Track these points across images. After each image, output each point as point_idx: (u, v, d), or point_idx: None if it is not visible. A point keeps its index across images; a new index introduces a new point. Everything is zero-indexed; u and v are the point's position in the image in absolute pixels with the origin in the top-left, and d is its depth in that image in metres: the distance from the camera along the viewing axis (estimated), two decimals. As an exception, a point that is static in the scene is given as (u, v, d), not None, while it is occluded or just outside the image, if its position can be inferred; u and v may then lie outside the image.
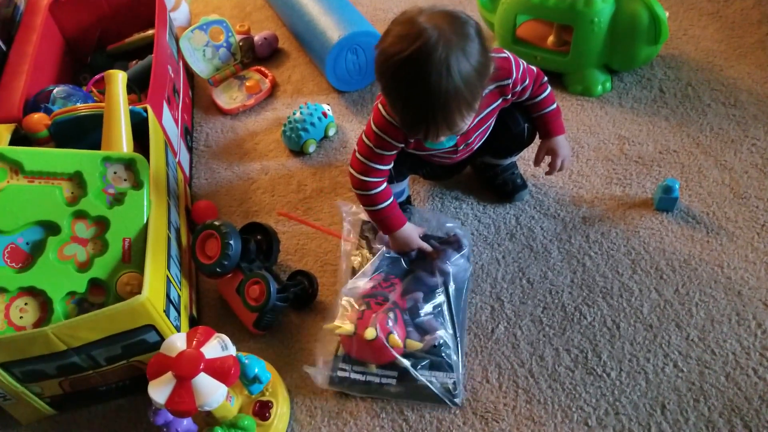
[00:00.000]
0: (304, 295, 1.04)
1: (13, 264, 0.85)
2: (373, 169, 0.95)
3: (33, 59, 1.20)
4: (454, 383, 0.89)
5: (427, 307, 0.96)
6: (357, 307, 0.94)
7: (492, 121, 1.00)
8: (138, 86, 1.27)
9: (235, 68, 1.50)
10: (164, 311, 0.87)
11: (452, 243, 1.03)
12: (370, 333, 0.89)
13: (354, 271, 1.02)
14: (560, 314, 0.98)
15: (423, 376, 0.90)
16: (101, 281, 0.87)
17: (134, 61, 1.41)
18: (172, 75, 1.31)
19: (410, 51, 0.74)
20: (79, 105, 1.10)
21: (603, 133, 1.24)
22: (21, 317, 0.83)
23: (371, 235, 1.08)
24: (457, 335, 0.94)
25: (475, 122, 0.95)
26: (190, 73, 1.51)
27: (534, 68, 0.97)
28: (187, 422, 0.83)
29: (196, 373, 0.76)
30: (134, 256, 0.89)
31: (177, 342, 0.80)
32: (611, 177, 1.16)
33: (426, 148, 0.96)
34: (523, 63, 0.95)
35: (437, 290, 0.97)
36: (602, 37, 1.25)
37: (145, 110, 1.07)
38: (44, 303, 0.84)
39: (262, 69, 1.51)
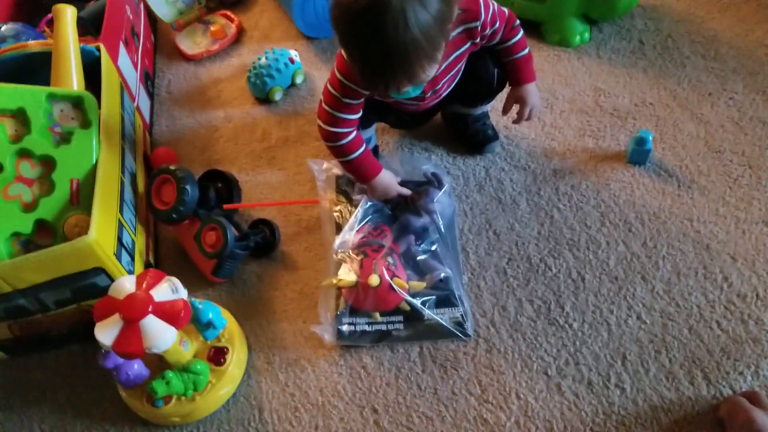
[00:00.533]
0: (265, 244, 1.01)
1: (-48, 202, 0.80)
2: (341, 119, 0.91)
3: (-21, -8, 1.12)
4: (463, 315, 0.89)
5: (422, 248, 0.95)
6: (354, 257, 0.93)
7: (461, 66, 0.96)
8: (95, 27, 1.20)
9: (199, 12, 1.43)
10: (115, 254, 0.83)
11: (431, 182, 1.02)
12: (374, 279, 0.88)
13: (339, 228, 0.99)
14: (525, 266, 0.97)
15: (432, 314, 0.89)
16: (48, 223, 0.84)
17: (91, 2, 1.33)
18: (131, 16, 1.24)
19: (365, 1, 0.69)
20: (28, 42, 1.04)
21: (579, 85, 1.21)
22: (-40, 257, 0.79)
23: (349, 188, 1.05)
24: (455, 267, 0.94)
25: (442, 68, 0.91)
26: (152, 18, 1.44)
27: (505, 10, 0.92)
28: (138, 366, 0.81)
29: (144, 315, 0.73)
30: (83, 197, 0.85)
31: (126, 284, 0.77)
32: (585, 129, 1.14)
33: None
34: (493, 4, 0.90)
35: (428, 230, 0.96)
36: (582, -17, 1.21)
37: (98, 49, 1.01)
38: (-15, 244, 0.81)
39: (228, 13, 1.44)
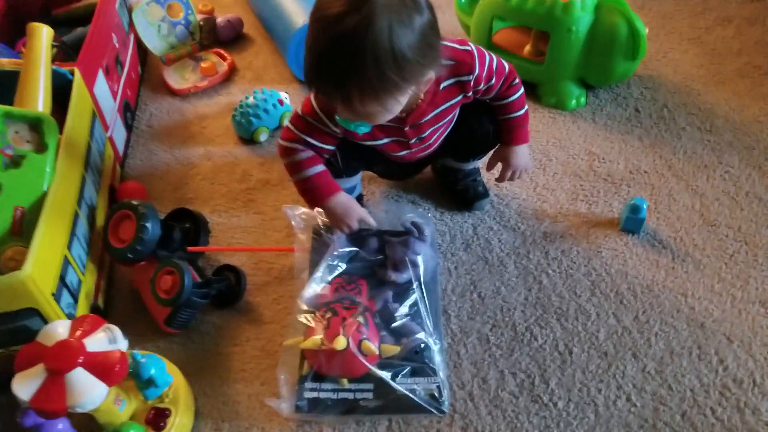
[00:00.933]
0: (229, 293, 0.93)
1: None
2: (303, 140, 0.86)
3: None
4: (439, 388, 0.80)
5: (402, 308, 0.86)
6: (321, 315, 0.83)
7: (451, 118, 0.92)
8: (77, 53, 1.16)
9: (192, 48, 1.40)
10: (53, 294, 0.75)
11: (412, 232, 0.93)
12: (340, 342, 0.77)
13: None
14: (509, 334, 0.89)
15: (404, 385, 0.79)
16: (-18, 254, 0.75)
17: (79, 28, 1.30)
18: (117, 45, 1.21)
19: (341, 10, 0.65)
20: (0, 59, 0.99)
21: (573, 148, 1.17)
22: None
23: (328, 233, 0.95)
24: (435, 333, 0.85)
25: (430, 116, 0.86)
26: (143, 49, 1.40)
27: (506, 65, 0.88)
28: (63, 426, 0.71)
29: (72, 368, 0.64)
30: (27, 228, 0.77)
31: (58, 329, 0.68)
32: (577, 193, 1.09)
33: (373, 135, 0.87)
34: (492, 59, 0.86)
35: (409, 286, 0.88)
36: (579, 48, 1.19)
37: (72, 72, 0.96)
38: None
39: (222, 51, 1.41)
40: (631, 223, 1.00)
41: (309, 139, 0.86)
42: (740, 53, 1.38)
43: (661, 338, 0.88)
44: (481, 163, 1.09)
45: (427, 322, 0.85)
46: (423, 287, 0.88)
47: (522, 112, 0.93)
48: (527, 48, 1.29)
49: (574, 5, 1.15)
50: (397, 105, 0.76)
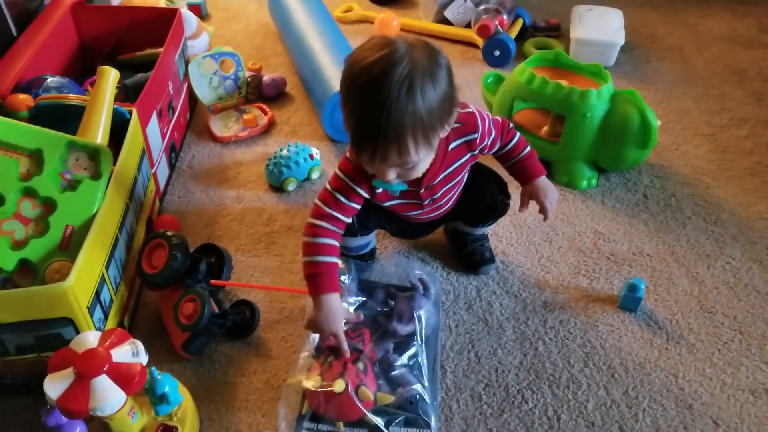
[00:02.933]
0: (243, 326, 1.00)
1: (-52, 228, 0.82)
2: (330, 216, 0.90)
3: (38, 47, 1.23)
4: None
5: (401, 359, 0.91)
6: (324, 358, 0.88)
7: (461, 178, 0.99)
8: (136, 95, 1.30)
9: (237, 101, 1.54)
10: (88, 307, 0.83)
11: (417, 288, 0.99)
12: (338, 385, 0.82)
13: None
14: (502, 395, 0.93)
15: None
16: (32, 264, 0.84)
17: (140, 73, 1.45)
18: (171, 92, 1.34)
19: (376, 57, 0.73)
20: (68, 95, 1.12)
21: (580, 225, 1.24)
22: (-62, 284, 0.80)
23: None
24: (431, 386, 0.89)
25: (441, 176, 0.94)
26: (193, 98, 1.55)
27: (498, 117, 0.97)
28: (80, 429, 0.77)
29: (98, 374, 0.71)
30: (73, 246, 0.86)
31: (89, 338, 0.75)
32: (580, 268, 1.14)
33: (390, 196, 0.95)
34: (487, 116, 0.94)
35: (410, 339, 0.93)
36: (593, 133, 1.28)
37: (130, 112, 1.09)
38: (-33, 274, 0.81)
39: (263, 106, 1.54)
40: (629, 301, 1.05)
41: (334, 213, 0.89)
42: (752, 153, 1.44)
43: (648, 415, 0.90)
44: (489, 230, 1.16)
45: (424, 375, 0.90)
46: (423, 341, 0.93)
47: (528, 150, 1.00)
48: (545, 129, 1.38)
49: (591, 94, 1.25)
50: (433, 153, 0.83)
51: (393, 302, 1.00)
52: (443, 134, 0.83)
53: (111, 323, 0.91)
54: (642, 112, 1.24)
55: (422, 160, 0.81)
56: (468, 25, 1.84)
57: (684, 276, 1.13)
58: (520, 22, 1.85)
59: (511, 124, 0.99)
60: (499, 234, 1.21)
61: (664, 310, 1.06)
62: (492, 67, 1.73)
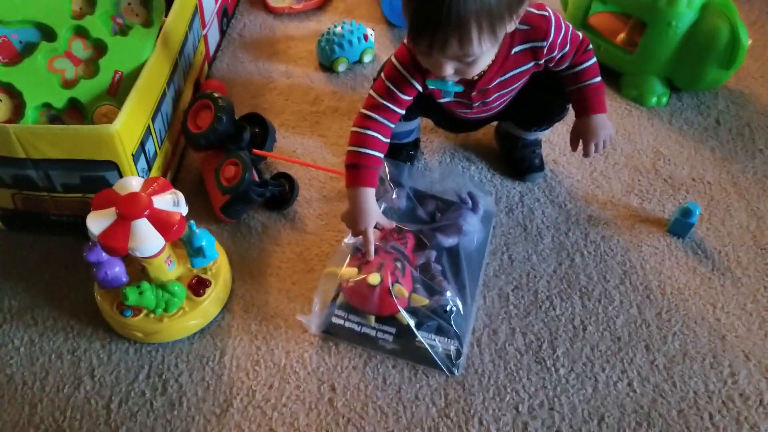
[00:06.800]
0: (281, 197, 1.00)
1: (1, 57, 0.82)
2: (383, 107, 0.85)
3: None
4: (457, 351, 0.82)
5: (443, 269, 0.89)
6: (360, 254, 0.87)
7: (519, 85, 0.92)
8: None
9: (295, -30, 1.45)
10: (132, 155, 0.83)
11: (465, 202, 0.96)
12: (374, 278, 0.82)
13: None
14: (530, 298, 0.92)
15: (425, 338, 0.82)
16: (81, 105, 0.84)
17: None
18: (228, -49, 1.27)
19: None
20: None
21: (641, 144, 1.16)
22: (-9, 112, 0.81)
23: (389, 180, 0.97)
24: (468, 302, 0.87)
25: (497, 81, 0.87)
26: (250, -37, 1.46)
27: (579, 34, 0.88)
28: (119, 269, 0.80)
29: (139, 216, 0.72)
30: (122, 91, 0.85)
31: (132, 182, 0.76)
32: (633, 186, 1.09)
33: (439, 96, 0.89)
34: (567, 26, 0.85)
35: (454, 252, 0.90)
36: (674, 45, 1.16)
37: (185, -34, 1.03)
38: (18, 106, 0.82)
39: (321, -21, 1.45)
40: (680, 226, 1.00)
41: (387, 104, 0.85)
42: None
43: (678, 339, 0.88)
44: (544, 136, 1.10)
45: (466, 289, 0.88)
46: (466, 256, 0.91)
47: (598, 79, 0.91)
48: (621, 36, 1.27)
49: (680, 0, 1.12)
50: (496, 48, 0.77)
51: (439, 213, 0.97)
52: (510, 27, 0.75)
53: (153, 175, 0.92)
54: (733, 26, 1.12)
55: (484, 54, 0.74)
56: None
57: (743, 209, 1.06)
58: None
59: (590, 45, 0.89)
60: (553, 141, 1.14)
61: (715, 241, 1.01)
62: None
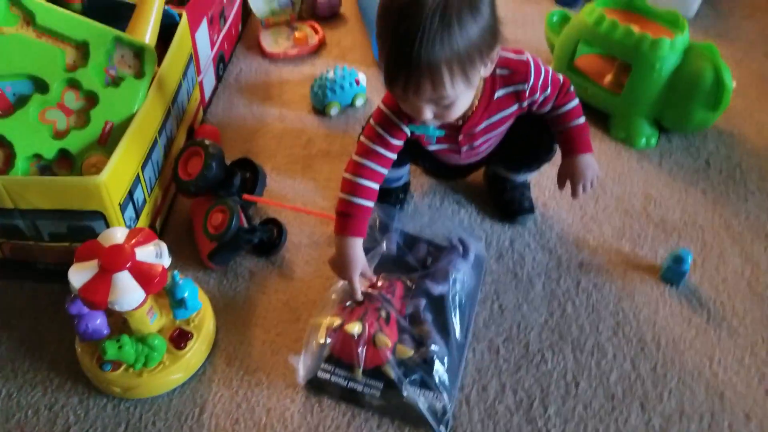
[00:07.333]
0: (269, 243, 0.99)
1: (-7, 109, 0.83)
2: (374, 153, 0.86)
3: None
4: (444, 408, 0.79)
5: (431, 319, 0.87)
6: (348, 300, 0.86)
7: (504, 129, 0.93)
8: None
9: (290, 17, 1.48)
10: (120, 204, 0.83)
11: (455, 248, 0.94)
12: (354, 327, 0.80)
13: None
14: (521, 351, 0.90)
15: (413, 393, 0.79)
16: (71, 155, 0.85)
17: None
18: (224, 0, 1.30)
19: None
20: (121, -7, 1.09)
21: (631, 186, 1.16)
22: (-20, 163, 0.81)
23: (378, 230, 0.97)
24: (455, 355, 0.85)
25: (483, 125, 0.88)
26: (246, 11, 1.50)
27: (560, 77, 0.89)
28: (100, 321, 0.79)
29: (120, 269, 0.72)
30: (111, 142, 0.86)
31: (117, 234, 0.76)
32: (624, 231, 1.08)
33: (425, 141, 0.89)
34: (546, 69, 0.86)
35: (443, 300, 0.88)
36: (660, 87, 1.17)
37: (180, 15, 1.05)
38: (9, 156, 0.82)
39: (316, 25, 1.48)
40: (672, 273, 0.99)
41: (378, 149, 0.85)
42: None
43: (674, 396, 0.86)
44: (531, 177, 1.10)
45: (451, 338, 0.86)
46: (456, 304, 0.89)
47: (582, 120, 0.92)
48: (608, 78, 1.28)
49: (663, 43, 1.13)
50: (472, 91, 0.77)
51: (430, 260, 0.96)
52: (484, 71, 0.77)
53: (142, 223, 0.93)
54: (717, 69, 1.13)
55: (459, 97, 0.75)
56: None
57: (737, 254, 1.05)
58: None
59: (572, 87, 0.90)
60: (542, 184, 1.14)
61: (710, 288, 1.00)
62: (562, 6, 1.60)
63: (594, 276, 1.01)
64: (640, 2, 1.27)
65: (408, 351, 0.82)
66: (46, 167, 0.85)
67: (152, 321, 0.81)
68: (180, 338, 0.82)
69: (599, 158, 1.20)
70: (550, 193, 1.13)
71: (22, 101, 0.84)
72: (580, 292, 0.98)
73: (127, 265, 0.72)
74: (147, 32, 0.98)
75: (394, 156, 0.88)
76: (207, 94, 1.26)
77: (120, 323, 0.81)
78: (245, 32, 1.51)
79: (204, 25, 1.18)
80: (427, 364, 0.82)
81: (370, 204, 0.86)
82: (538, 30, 1.45)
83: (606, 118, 1.27)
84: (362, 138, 0.88)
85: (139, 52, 0.92)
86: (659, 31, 1.20)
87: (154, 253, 0.75)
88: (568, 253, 1.04)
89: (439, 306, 0.89)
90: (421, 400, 0.80)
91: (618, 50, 1.19)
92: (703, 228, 1.09)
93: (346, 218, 0.85)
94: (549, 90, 0.87)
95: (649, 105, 1.20)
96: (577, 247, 1.05)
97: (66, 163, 0.86)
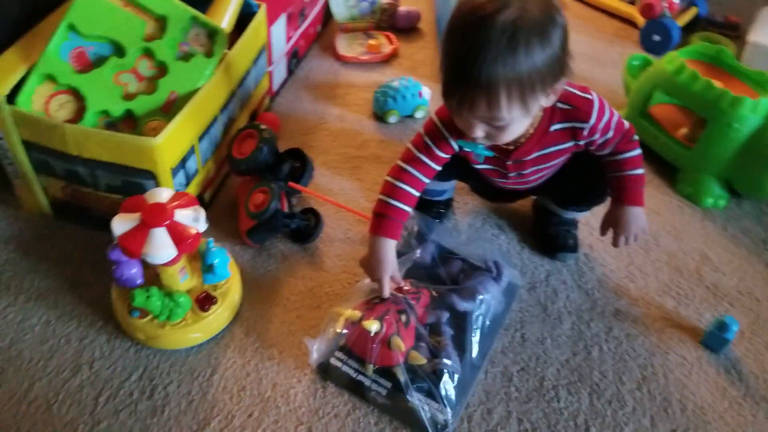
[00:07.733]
0: (305, 231, 1.02)
1: (75, 64, 0.90)
2: (418, 161, 0.86)
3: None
4: (446, 422, 0.79)
5: (452, 333, 0.86)
6: (372, 299, 0.86)
7: (557, 163, 0.91)
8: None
9: (368, 25, 1.53)
10: (172, 169, 0.88)
11: (489, 270, 0.93)
12: (371, 325, 0.80)
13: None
14: (534, 383, 0.87)
15: (418, 401, 0.79)
16: (135, 116, 0.91)
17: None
18: (306, 0, 1.35)
19: (492, 8, 0.66)
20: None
21: (688, 244, 1.10)
22: (57, 110, 0.88)
23: (415, 238, 0.97)
24: (468, 373, 0.84)
25: (534, 155, 0.86)
26: (328, 13, 1.55)
27: (626, 123, 0.86)
28: (136, 271, 0.82)
29: (158, 225, 0.76)
30: (174, 111, 0.91)
31: (162, 194, 0.80)
32: (671, 288, 1.02)
33: (473, 159, 0.89)
34: (611, 112, 0.84)
35: (468, 317, 0.87)
36: (735, 148, 1.11)
37: (259, 6, 1.11)
38: (81, 109, 0.89)
39: (391, 36, 1.52)
40: (714, 339, 0.92)
41: (422, 157, 0.86)
42: None
43: (692, 465, 0.80)
44: (582, 217, 1.07)
45: (468, 357, 0.84)
46: (479, 325, 0.87)
47: (640, 171, 0.89)
48: (683, 130, 1.22)
49: (744, 102, 1.07)
50: (528, 119, 0.76)
51: (461, 275, 0.95)
52: (545, 102, 0.76)
53: (191, 191, 0.97)
54: (802, 138, 1.05)
55: (514, 122, 0.74)
56: (632, 1, 1.66)
57: (792, 335, 0.97)
58: (693, 11, 1.63)
59: (636, 136, 0.88)
60: (592, 225, 1.10)
61: (754, 363, 0.92)
62: (647, 52, 1.56)
63: (629, 326, 0.96)
64: (728, 58, 1.21)
65: (421, 359, 0.82)
66: (112, 124, 0.91)
67: (182, 280, 0.84)
68: (205, 301, 0.85)
69: (659, 210, 1.15)
70: (598, 235, 1.09)
71: (100, 61, 0.91)
72: (611, 338, 0.94)
73: (165, 223, 0.76)
74: (225, 17, 1.04)
75: (437, 167, 0.88)
76: (276, 85, 1.31)
77: (153, 277, 0.85)
78: (324, 33, 1.56)
79: (282, 20, 1.24)
80: (437, 376, 0.81)
81: (407, 209, 0.87)
82: (617, 71, 1.42)
83: (674, 171, 1.21)
84: (409, 145, 0.89)
85: (212, 33, 0.97)
86: (743, 89, 1.15)
87: (192, 218, 0.79)
88: (605, 298, 0.99)
89: (462, 322, 0.88)
90: (424, 408, 0.79)
91: (695, 103, 1.14)
92: (759, 301, 1.01)
93: (381, 219, 0.86)
94: (611, 133, 0.84)
95: (722, 165, 1.14)
96: (617, 294, 1.00)
97: (130, 123, 0.92)
